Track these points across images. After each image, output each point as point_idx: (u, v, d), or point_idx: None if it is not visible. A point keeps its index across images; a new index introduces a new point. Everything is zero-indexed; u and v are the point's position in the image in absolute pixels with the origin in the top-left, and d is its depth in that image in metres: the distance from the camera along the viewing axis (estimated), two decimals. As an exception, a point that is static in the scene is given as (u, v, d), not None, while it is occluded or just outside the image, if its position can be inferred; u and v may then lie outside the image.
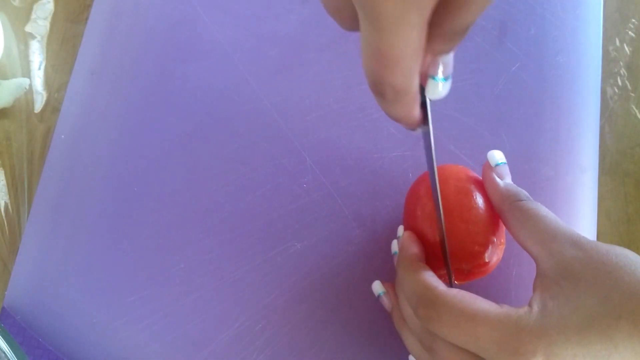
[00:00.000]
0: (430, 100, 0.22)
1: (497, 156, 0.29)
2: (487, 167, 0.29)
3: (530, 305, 0.23)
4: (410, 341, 0.28)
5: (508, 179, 0.29)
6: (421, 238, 0.29)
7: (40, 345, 0.32)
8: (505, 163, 0.29)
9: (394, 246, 0.31)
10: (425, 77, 0.21)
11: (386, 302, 0.30)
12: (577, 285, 0.22)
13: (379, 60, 0.18)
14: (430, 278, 0.25)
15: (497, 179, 0.28)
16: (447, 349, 0.24)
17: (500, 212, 0.28)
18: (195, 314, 0.32)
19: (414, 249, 0.28)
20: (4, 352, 0.31)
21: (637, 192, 0.37)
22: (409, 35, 0.17)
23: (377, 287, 0.31)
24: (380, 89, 0.19)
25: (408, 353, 0.29)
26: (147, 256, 0.33)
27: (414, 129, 0.23)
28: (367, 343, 0.32)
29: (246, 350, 0.32)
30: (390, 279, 0.33)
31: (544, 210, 0.26)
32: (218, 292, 0.33)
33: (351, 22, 0.19)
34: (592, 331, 0.21)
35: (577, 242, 0.24)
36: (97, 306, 0.33)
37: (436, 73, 0.21)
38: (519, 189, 0.28)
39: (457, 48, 0.20)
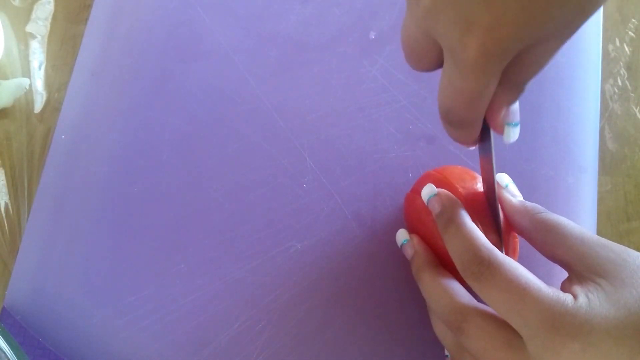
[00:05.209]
0: (506, 143, 0.26)
1: (505, 179, 0.30)
2: (499, 188, 0.30)
3: (573, 294, 0.23)
4: (428, 289, 0.28)
5: (519, 197, 0.29)
6: (436, 241, 0.29)
7: (40, 345, 0.32)
8: (512, 183, 0.30)
9: (401, 235, 0.31)
10: (501, 126, 0.25)
11: (408, 250, 0.30)
12: (614, 282, 0.23)
13: (458, 97, 0.22)
14: (486, 240, 0.26)
15: (511, 198, 0.29)
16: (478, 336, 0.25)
17: (520, 228, 0.28)
18: (195, 314, 0.32)
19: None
20: (4, 352, 0.31)
21: (637, 192, 0.37)
22: (488, 81, 0.21)
23: (401, 235, 0.31)
24: (451, 118, 0.24)
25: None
26: (147, 256, 0.33)
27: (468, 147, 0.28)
28: (368, 343, 0.32)
29: (246, 350, 0.32)
30: (390, 279, 0.33)
31: (564, 219, 0.27)
32: (218, 292, 0.33)
33: (425, 66, 0.23)
34: (629, 326, 0.21)
35: (606, 245, 0.24)
36: (97, 306, 0.33)
37: (512, 120, 0.25)
38: (534, 203, 0.28)
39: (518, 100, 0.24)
